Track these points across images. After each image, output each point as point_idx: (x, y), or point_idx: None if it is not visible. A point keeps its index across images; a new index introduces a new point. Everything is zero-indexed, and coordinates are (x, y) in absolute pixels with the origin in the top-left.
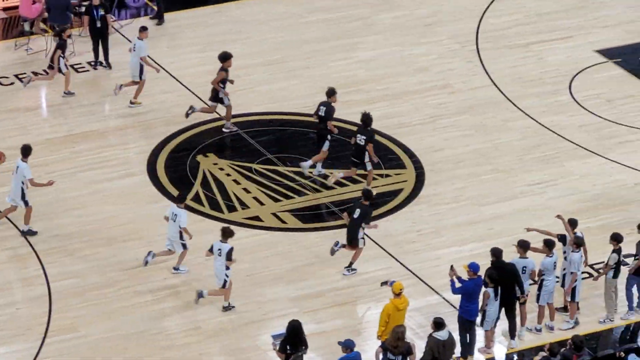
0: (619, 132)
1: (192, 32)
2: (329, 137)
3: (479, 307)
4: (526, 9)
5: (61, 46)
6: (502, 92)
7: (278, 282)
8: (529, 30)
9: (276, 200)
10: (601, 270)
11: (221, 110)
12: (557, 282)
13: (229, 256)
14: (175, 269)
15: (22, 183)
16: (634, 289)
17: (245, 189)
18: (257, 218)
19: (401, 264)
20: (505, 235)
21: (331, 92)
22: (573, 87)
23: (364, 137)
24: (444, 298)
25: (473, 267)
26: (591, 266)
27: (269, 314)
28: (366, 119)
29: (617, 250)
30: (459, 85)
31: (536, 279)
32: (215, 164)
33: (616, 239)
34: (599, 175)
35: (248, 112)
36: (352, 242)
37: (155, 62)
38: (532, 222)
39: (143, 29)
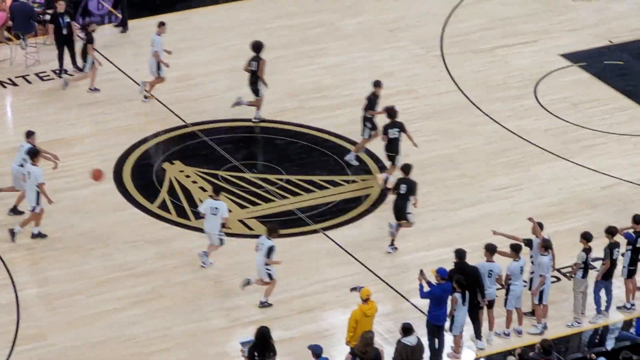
0: (585, 136)
1: None
2: (368, 125)
3: (448, 312)
4: (490, 14)
5: (90, 40)
6: (467, 97)
7: (246, 289)
8: (494, 35)
9: (243, 207)
10: (571, 271)
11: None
12: (525, 286)
13: (269, 253)
14: (203, 263)
15: (37, 187)
16: (602, 293)
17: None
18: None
19: (369, 269)
20: (472, 240)
21: (376, 84)
22: (538, 91)
23: (397, 129)
24: (412, 303)
25: (441, 273)
26: (559, 270)
27: (237, 320)
28: (393, 112)
29: (586, 250)
30: (424, 91)
31: (503, 283)
32: (181, 171)
33: (586, 237)
34: (565, 179)
35: (214, 119)
36: (401, 217)
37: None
38: (499, 227)
39: (161, 24)
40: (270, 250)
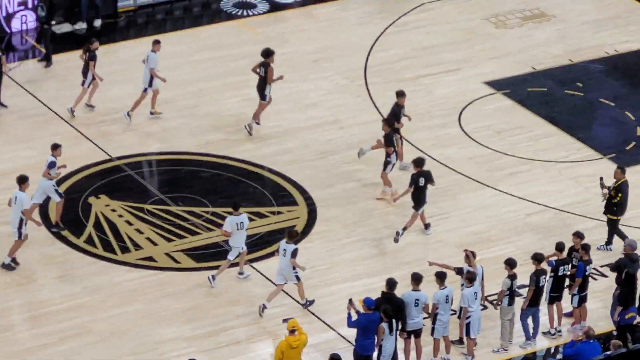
0: (510, 163)
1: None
2: (395, 135)
3: (376, 342)
4: (413, 43)
5: (92, 58)
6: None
7: (173, 322)
8: (417, 64)
9: (169, 240)
10: (497, 298)
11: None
12: (454, 314)
13: (293, 254)
14: (240, 274)
15: (22, 213)
16: (529, 320)
17: (138, 230)
18: (150, 259)
19: (296, 301)
20: (398, 269)
21: (399, 94)
22: (462, 119)
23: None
24: (339, 334)
25: (367, 303)
26: (485, 298)
27: (165, 354)
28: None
29: (511, 277)
30: (349, 121)
31: (430, 312)
32: (107, 205)
33: (510, 264)
34: (491, 207)
35: (139, 153)
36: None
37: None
38: (426, 256)
39: (156, 42)
40: (295, 252)
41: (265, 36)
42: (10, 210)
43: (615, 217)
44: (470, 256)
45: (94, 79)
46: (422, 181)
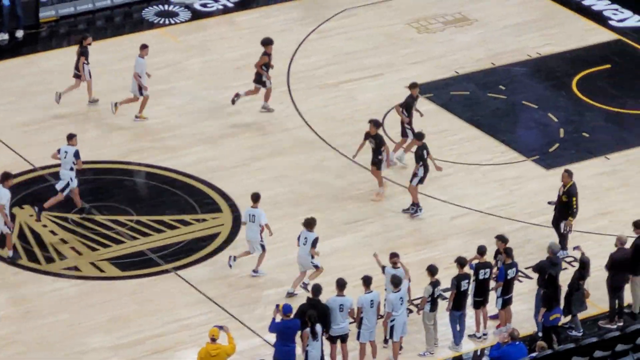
0: (432, 166)
1: (4, 83)
2: (407, 126)
3: (302, 348)
4: (335, 49)
5: (83, 53)
6: (315, 132)
7: (98, 331)
8: (339, 70)
9: (94, 249)
10: (419, 305)
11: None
12: (381, 318)
13: (314, 244)
14: (254, 271)
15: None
16: (455, 324)
17: (62, 240)
18: (75, 268)
19: (221, 308)
20: (325, 275)
21: (412, 85)
22: (386, 124)
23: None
24: (265, 340)
25: (284, 309)
26: (411, 302)
27: None
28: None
29: (433, 283)
30: (272, 127)
31: (355, 317)
32: (31, 215)
33: (430, 270)
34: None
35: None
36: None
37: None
38: (351, 261)
39: (143, 46)
40: (316, 241)
41: (187, 44)
42: None
43: (568, 221)
44: (379, 260)
45: (80, 76)
46: (425, 154)
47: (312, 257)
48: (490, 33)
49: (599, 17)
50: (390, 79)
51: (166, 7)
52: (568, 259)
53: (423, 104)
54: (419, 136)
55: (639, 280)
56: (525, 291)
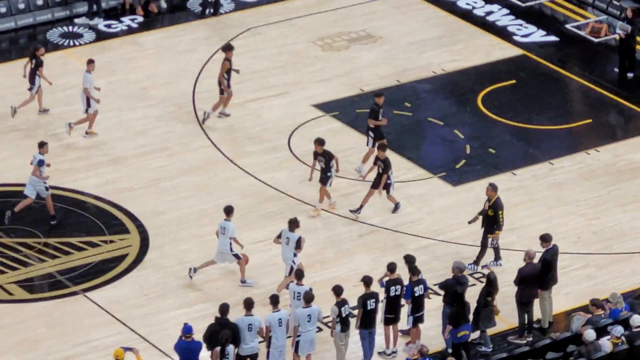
0: (341, 185)
1: None
2: (371, 134)
3: None
4: (241, 67)
5: (40, 64)
6: (221, 152)
7: (7, 354)
8: (245, 88)
9: (1, 272)
10: (330, 326)
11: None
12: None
13: (297, 244)
14: (242, 281)
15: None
16: (365, 342)
17: None
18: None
19: (131, 329)
20: (233, 295)
21: (377, 94)
22: (292, 142)
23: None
24: None
25: (184, 329)
26: (321, 321)
27: None
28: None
29: (339, 304)
30: (178, 147)
31: (264, 336)
32: None
33: (336, 291)
34: (322, 230)
35: None
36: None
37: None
38: (259, 280)
39: (90, 61)
40: (299, 241)
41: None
42: None
43: (495, 235)
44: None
45: (39, 86)
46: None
47: (295, 255)
48: (395, 50)
49: (503, 33)
50: (296, 97)
51: (70, 28)
52: (477, 275)
53: (329, 121)
54: (384, 147)
55: (547, 294)
56: (435, 308)
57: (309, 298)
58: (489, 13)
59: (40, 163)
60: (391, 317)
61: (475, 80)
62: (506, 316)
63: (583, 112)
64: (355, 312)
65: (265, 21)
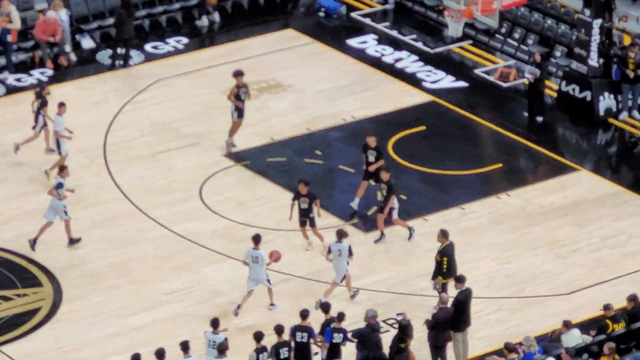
0: (252, 234)
1: None
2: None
3: None
4: (150, 119)
5: (45, 103)
6: (133, 204)
7: None
8: (156, 140)
9: None
10: None
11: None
12: None
13: (350, 252)
14: (272, 305)
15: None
16: None
17: None
18: None
19: None
20: (147, 345)
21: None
22: (204, 192)
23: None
24: None
25: None
26: None
27: None
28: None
29: (258, 350)
30: (90, 200)
31: None
32: None
33: (256, 337)
34: (236, 278)
35: None
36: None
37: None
38: (173, 331)
39: (61, 104)
40: (350, 249)
41: (2, 119)
42: None
43: (445, 281)
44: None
45: (45, 124)
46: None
47: (348, 264)
48: (305, 98)
49: (413, 79)
50: (207, 146)
51: None
52: (390, 321)
53: (240, 171)
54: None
55: (460, 337)
56: (348, 354)
57: (222, 348)
58: (398, 60)
59: (59, 186)
60: None
61: (385, 127)
62: None
63: (493, 156)
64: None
65: (175, 72)
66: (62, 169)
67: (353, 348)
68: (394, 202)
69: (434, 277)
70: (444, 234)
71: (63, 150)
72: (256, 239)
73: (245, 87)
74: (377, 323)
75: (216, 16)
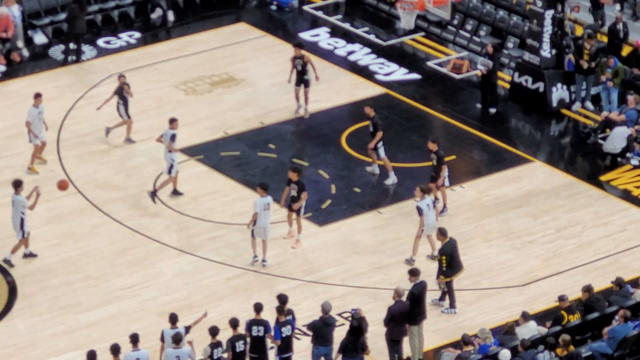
0: (207, 228)
1: None
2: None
3: None
4: (103, 114)
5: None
6: (87, 199)
7: None
8: (110, 136)
9: None
10: None
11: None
12: None
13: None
14: (264, 261)
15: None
16: None
17: None
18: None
19: None
20: (102, 341)
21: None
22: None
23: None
24: None
25: None
26: None
27: None
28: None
29: (212, 345)
30: (44, 195)
31: None
32: None
33: (211, 332)
34: (190, 273)
35: None
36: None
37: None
38: (128, 326)
39: (37, 95)
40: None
41: None
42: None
43: (448, 279)
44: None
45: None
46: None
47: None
48: (258, 92)
49: (365, 72)
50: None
51: None
52: (345, 315)
53: (194, 165)
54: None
55: (416, 330)
56: (304, 349)
57: (178, 338)
58: (351, 52)
59: (173, 137)
60: (255, 357)
61: (338, 120)
62: (377, 355)
63: (447, 148)
64: (226, 355)
65: (127, 67)
66: (172, 121)
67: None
68: (445, 171)
69: (437, 276)
70: (442, 233)
71: (33, 140)
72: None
73: (302, 59)
74: (331, 317)
75: (170, 15)
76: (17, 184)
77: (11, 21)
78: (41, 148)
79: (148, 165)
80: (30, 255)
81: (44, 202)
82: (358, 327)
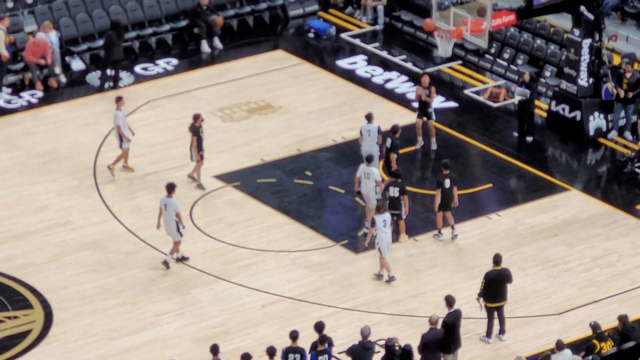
0: (243, 256)
1: None
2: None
3: None
4: (141, 140)
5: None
6: (123, 225)
7: None
8: (145, 161)
9: None
10: None
11: None
12: None
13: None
14: (179, 259)
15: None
16: None
17: None
18: None
19: None
20: None
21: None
22: (194, 214)
23: (398, 189)
24: None
25: None
26: None
27: None
28: (397, 174)
29: None
30: (80, 222)
31: None
32: None
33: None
34: (226, 300)
35: None
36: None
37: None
38: (164, 352)
39: (118, 98)
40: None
41: None
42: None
43: (491, 305)
44: None
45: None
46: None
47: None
48: (294, 119)
49: (402, 100)
50: None
51: None
52: (381, 342)
53: (230, 192)
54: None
55: (449, 358)
56: None
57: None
58: (388, 80)
59: (379, 130)
60: None
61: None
62: None
63: (483, 176)
64: None
65: (164, 93)
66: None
67: None
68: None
69: (478, 298)
70: (494, 259)
71: (124, 144)
72: None
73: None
74: (370, 341)
75: (217, 43)
76: (171, 188)
77: (49, 47)
78: (125, 154)
79: (184, 192)
80: (182, 259)
81: (81, 228)
82: (408, 352)
